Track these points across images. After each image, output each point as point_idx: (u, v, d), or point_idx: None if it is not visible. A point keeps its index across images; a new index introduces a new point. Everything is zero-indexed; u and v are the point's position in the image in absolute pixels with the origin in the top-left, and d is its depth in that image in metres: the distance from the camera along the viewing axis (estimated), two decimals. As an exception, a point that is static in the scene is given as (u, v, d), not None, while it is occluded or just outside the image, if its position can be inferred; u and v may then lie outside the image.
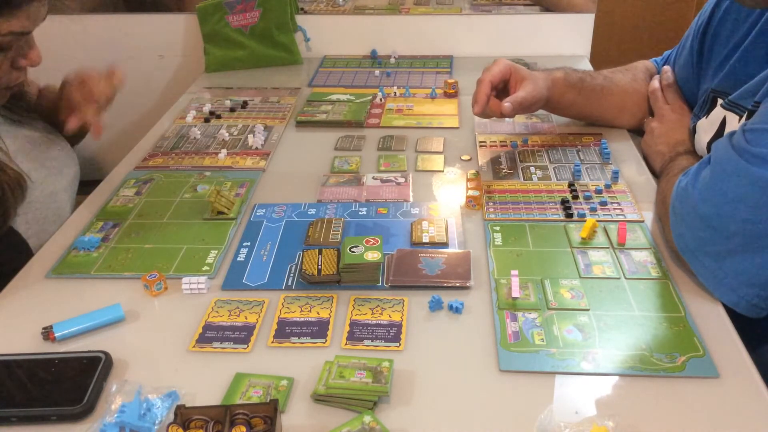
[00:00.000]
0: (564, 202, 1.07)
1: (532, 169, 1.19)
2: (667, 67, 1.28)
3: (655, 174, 1.14)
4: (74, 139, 1.23)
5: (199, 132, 1.37)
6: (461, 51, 1.78)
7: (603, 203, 1.07)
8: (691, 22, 1.22)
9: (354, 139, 1.34)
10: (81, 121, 1.09)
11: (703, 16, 1.18)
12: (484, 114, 1.18)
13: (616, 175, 1.14)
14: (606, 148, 1.22)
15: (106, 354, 0.78)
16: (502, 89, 1.19)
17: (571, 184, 1.12)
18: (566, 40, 1.75)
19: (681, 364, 0.76)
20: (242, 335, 0.82)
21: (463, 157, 1.25)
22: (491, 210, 1.06)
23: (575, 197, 1.09)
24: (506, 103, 1.14)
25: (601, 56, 1.79)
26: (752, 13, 1.04)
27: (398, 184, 1.16)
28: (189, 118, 1.44)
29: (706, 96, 1.10)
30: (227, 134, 1.35)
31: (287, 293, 0.90)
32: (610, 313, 0.84)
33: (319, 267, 0.92)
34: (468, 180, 1.12)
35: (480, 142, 1.30)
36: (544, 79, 1.21)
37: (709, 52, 1.15)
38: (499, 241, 0.99)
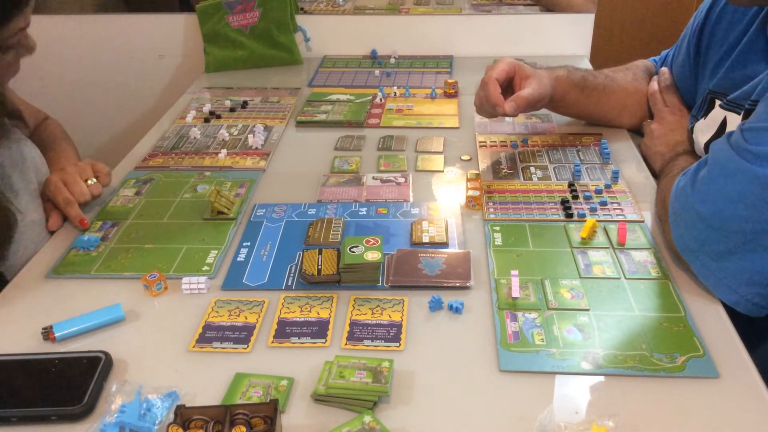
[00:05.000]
0: (564, 202, 1.07)
1: (532, 169, 1.19)
2: (665, 69, 1.27)
3: (656, 175, 1.14)
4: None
5: (199, 132, 1.37)
6: (461, 51, 1.78)
7: (603, 203, 1.07)
8: (690, 21, 1.22)
9: (354, 139, 1.34)
10: (61, 221, 1.07)
11: (699, 17, 1.17)
12: (489, 113, 1.18)
13: (616, 175, 1.14)
14: (606, 148, 1.22)
15: (106, 354, 0.78)
16: (506, 88, 1.18)
17: (571, 184, 1.12)
18: (566, 40, 1.75)
19: (681, 364, 0.76)
20: (242, 335, 0.82)
21: (463, 157, 1.25)
22: (491, 210, 1.06)
23: (575, 197, 1.09)
24: (510, 103, 1.12)
25: (601, 56, 1.79)
26: (747, 13, 1.04)
27: (398, 184, 1.16)
28: (189, 118, 1.44)
29: (703, 97, 1.10)
30: (227, 134, 1.35)
31: (287, 293, 0.90)
32: (610, 313, 0.84)
33: (319, 267, 0.92)
34: (468, 180, 1.12)
35: (480, 142, 1.30)
36: (547, 77, 1.20)
37: (705, 52, 1.14)
38: (499, 241, 0.99)
